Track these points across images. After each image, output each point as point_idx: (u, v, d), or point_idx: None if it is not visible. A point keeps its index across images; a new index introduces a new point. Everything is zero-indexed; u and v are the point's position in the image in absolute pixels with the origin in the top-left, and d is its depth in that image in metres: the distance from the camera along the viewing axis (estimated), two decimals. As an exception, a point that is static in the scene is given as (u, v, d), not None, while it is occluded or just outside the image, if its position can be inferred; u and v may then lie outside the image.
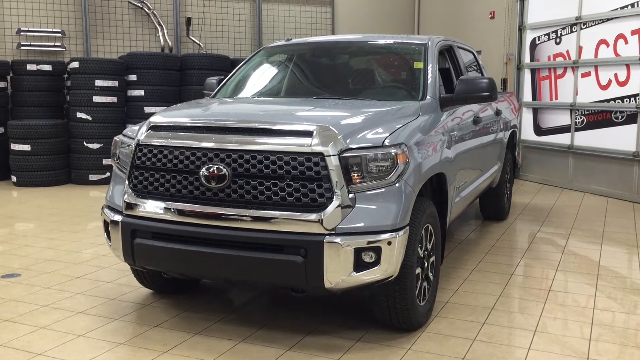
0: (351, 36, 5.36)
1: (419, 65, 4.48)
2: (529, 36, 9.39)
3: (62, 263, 4.98)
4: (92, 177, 8.95)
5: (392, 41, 4.94)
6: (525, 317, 3.90)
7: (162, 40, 10.51)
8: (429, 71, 4.38)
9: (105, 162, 8.93)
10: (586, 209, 7.26)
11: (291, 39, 5.29)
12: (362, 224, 3.16)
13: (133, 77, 9.32)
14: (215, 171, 3.26)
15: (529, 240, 5.91)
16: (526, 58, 9.47)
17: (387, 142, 3.29)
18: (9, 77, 9.34)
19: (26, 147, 8.68)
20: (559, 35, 8.80)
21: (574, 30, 8.48)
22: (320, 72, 4.92)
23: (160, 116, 3.73)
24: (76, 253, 5.28)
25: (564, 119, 8.75)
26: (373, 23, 11.97)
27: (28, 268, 4.84)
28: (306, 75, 4.91)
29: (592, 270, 4.89)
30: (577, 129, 8.50)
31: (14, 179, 8.81)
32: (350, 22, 11.88)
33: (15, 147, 8.75)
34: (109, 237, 3.69)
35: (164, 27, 10.55)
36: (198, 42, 10.75)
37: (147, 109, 9.12)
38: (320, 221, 3.10)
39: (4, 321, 3.77)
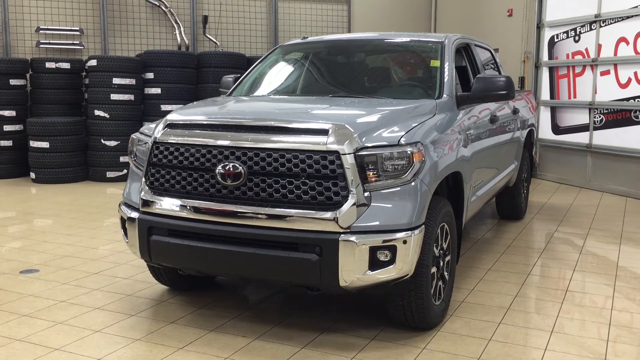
0: (367, 34, 5.34)
1: (435, 63, 4.46)
2: (547, 34, 9.30)
3: (79, 259, 5.03)
4: (110, 174, 9.03)
5: (408, 39, 4.92)
6: (542, 317, 3.87)
7: (178, 39, 10.56)
8: (446, 69, 4.36)
9: (122, 159, 9.00)
10: (604, 209, 7.18)
11: (307, 37, 5.29)
12: (377, 223, 3.16)
13: (150, 75, 9.38)
14: (231, 169, 3.27)
15: (546, 240, 5.86)
16: (544, 56, 9.37)
17: (403, 141, 3.28)
18: (28, 75, 9.45)
19: (45, 144, 8.78)
20: (577, 33, 8.70)
21: (593, 28, 8.39)
22: (336, 71, 4.91)
23: (177, 114, 3.75)
24: (93, 249, 5.33)
25: (582, 117, 8.65)
26: (389, 21, 11.93)
27: (46, 264, 4.90)
28: (322, 73, 4.91)
29: (610, 270, 4.84)
30: (595, 128, 8.40)
31: (32, 175, 8.92)
32: (367, 20, 11.85)
33: (34, 144, 8.85)
34: (125, 233, 3.72)
35: (180, 25, 10.60)
36: (214, 40, 10.80)
37: (164, 107, 9.17)
38: (335, 219, 3.10)
39: (22, 316, 3.81)
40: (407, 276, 3.27)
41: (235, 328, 3.64)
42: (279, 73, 5.02)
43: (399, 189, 3.23)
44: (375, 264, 3.15)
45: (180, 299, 4.12)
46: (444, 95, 4.17)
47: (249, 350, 3.36)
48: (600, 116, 8.32)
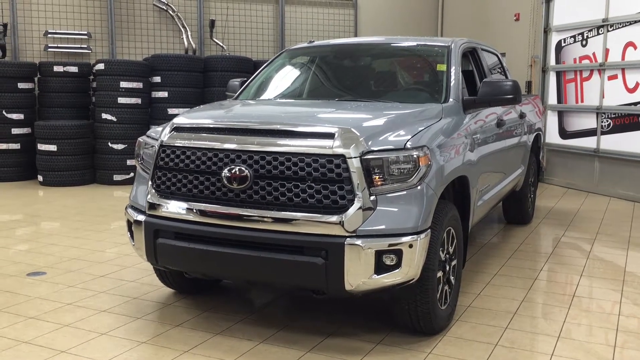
0: (374, 38, 5.35)
1: (442, 67, 4.46)
2: (554, 38, 9.28)
3: (86, 262, 5.05)
4: (117, 178, 9.06)
5: (415, 43, 4.92)
6: (549, 322, 3.85)
7: (186, 43, 10.60)
8: (452, 73, 4.35)
9: (129, 162, 9.03)
10: (612, 214, 7.14)
11: (314, 41, 5.30)
12: (383, 227, 3.15)
13: (157, 79, 9.42)
14: (237, 172, 3.27)
15: (553, 244, 5.83)
16: (551, 60, 9.35)
17: (409, 145, 3.27)
18: (36, 79, 9.50)
19: (52, 147, 8.82)
20: (585, 37, 8.68)
21: (600, 32, 8.36)
22: (342, 74, 4.92)
23: (183, 117, 3.76)
24: (100, 252, 5.35)
25: (589, 122, 8.62)
26: (396, 25, 11.94)
27: (53, 266, 4.91)
28: (328, 77, 4.92)
29: (617, 276, 4.81)
30: (603, 133, 8.37)
31: (40, 178, 8.96)
32: (373, 24, 11.86)
33: (41, 147, 8.89)
34: (132, 236, 3.73)
35: (188, 29, 10.64)
36: (221, 44, 10.83)
37: (171, 111, 9.20)
38: (341, 223, 3.10)
39: (29, 318, 3.83)
40: (413, 280, 3.27)
41: (241, 331, 3.64)
42: (286, 77, 5.03)
43: (405, 192, 3.22)
44: (381, 268, 3.15)
45: (186, 302, 4.12)
46: (450, 100, 4.17)
47: (255, 353, 3.36)
48: (607, 121, 8.29)
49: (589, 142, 8.62)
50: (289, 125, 3.37)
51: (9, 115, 9.13)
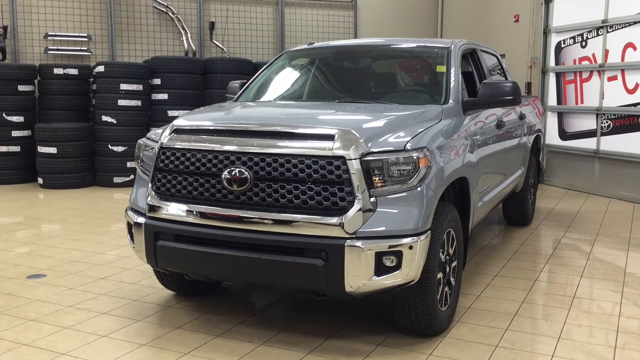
0: (373, 40, 5.35)
1: (441, 68, 4.46)
2: (554, 39, 9.28)
3: (86, 264, 5.05)
4: (117, 180, 9.06)
5: (414, 45, 4.92)
6: (549, 323, 3.85)
7: (185, 45, 10.61)
8: (452, 75, 4.36)
9: (129, 164, 9.03)
10: (612, 215, 7.14)
11: (313, 43, 5.31)
12: (383, 228, 3.15)
13: (157, 81, 9.42)
14: (237, 174, 3.27)
15: (553, 245, 5.83)
16: (551, 62, 9.36)
17: (409, 146, 3.27)
18: (36, 81, 9.51)
19: (52, 150, 8.82)
20: (584, 38, 8.68)
21: (600, 33, 8.37)
22: (342, 76, 4.93)
23: (183, 119, 3.76)
24: (100, 254, 5.34)
25: (589, 123, 8.62)
26: (396, 27, 11.94)
27: (53, 269, 4.91)
28: (328, 79, 4.92)
29: (618, 277, 4.81)
30: (603, 134, 8.37)
31: (40, 181, 8.96)
32: (373, 26, 11.86)
33: (41, 149, 8.89)
34: (132, 239, 3.73)
35: (187, 31, 10.65)
36: (221, 46, 10.84)
37: (171, 113, 9.20)
38: (341, 225, 3.10)
39: (29, 321, 3.83)
40: (413, 282, 3.27)
41: (241, 333, 3.64)
42: (285, 79, 5.04)
43: (405, 194, 3.22)
44: (381, 269, 3.15)
45: (186, 304, 4.12)
46: (450, 101, 4.17)
47: (255, 355, 3.36)
48: (607, 122, 8.29)
49: (588, 143, 8.62)
50: (289, 127, 3.38)
51: (9, 118, 9.13)
